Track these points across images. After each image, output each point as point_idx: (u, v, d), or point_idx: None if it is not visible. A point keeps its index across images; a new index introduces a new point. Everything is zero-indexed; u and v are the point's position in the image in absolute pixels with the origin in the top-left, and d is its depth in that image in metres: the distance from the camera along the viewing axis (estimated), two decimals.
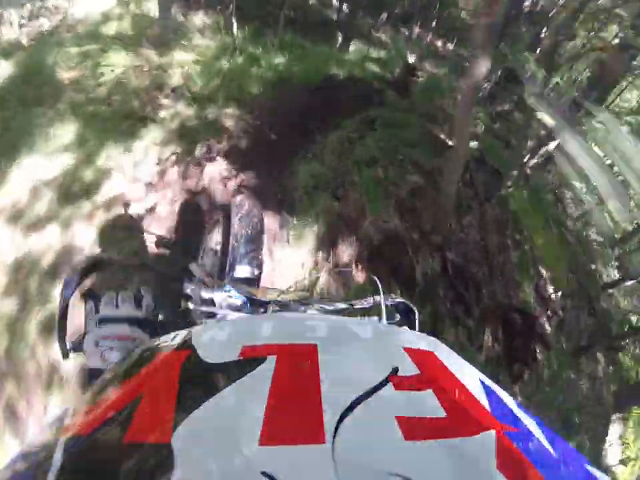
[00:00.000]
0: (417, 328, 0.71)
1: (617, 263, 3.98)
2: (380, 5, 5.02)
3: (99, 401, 0.28)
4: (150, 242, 2.05)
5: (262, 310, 0.69)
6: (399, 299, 0.75)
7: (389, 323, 0.65)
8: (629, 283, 3.44)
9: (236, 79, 3.08)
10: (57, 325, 0.59)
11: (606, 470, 2.73)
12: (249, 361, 0.29)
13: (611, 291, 3.59)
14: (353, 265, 2.29)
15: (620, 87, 3.64)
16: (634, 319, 3.57)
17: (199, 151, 2.59)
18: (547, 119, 2.53)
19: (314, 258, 2.32)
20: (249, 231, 1.24)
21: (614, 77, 2.93)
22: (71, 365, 1.73)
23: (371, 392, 0.25)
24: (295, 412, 0.24)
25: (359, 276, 2.28)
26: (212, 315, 0.65)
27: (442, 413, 0.24)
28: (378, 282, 0.67)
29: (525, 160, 3.07)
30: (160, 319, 0.64)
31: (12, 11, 3.05)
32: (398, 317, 0.75)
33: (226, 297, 0.67)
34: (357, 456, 0.20)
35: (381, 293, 0.65)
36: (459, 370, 0.31)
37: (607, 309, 3.48)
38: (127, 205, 2.23)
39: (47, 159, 2.31)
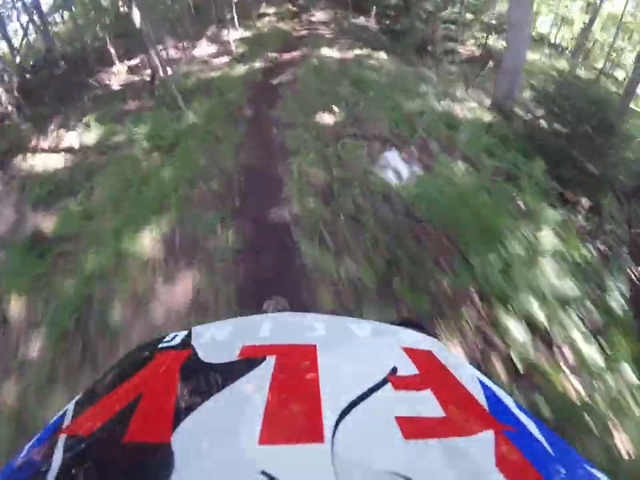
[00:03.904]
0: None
1: None
2: None
3: (98, 401, 0.28)
4: None
5: None
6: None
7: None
8: None
9: None
10: None
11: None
12: (249, 361, 0.29)
13: None
14: None
15: None
16: None
17: None
18: None
19: None
20: None
21: None
22: None
23: (369, 392, 0.25)
24: (294, 411, 0.24)
25: None
26: None
27: (441, 413, 0.24)
28: None
29: None
30: None
31: None
32: None
33: None
34: (356, 455, 0.20)
35: None
36: (458, 370, 0.31)
37: None
38: None
39: None
